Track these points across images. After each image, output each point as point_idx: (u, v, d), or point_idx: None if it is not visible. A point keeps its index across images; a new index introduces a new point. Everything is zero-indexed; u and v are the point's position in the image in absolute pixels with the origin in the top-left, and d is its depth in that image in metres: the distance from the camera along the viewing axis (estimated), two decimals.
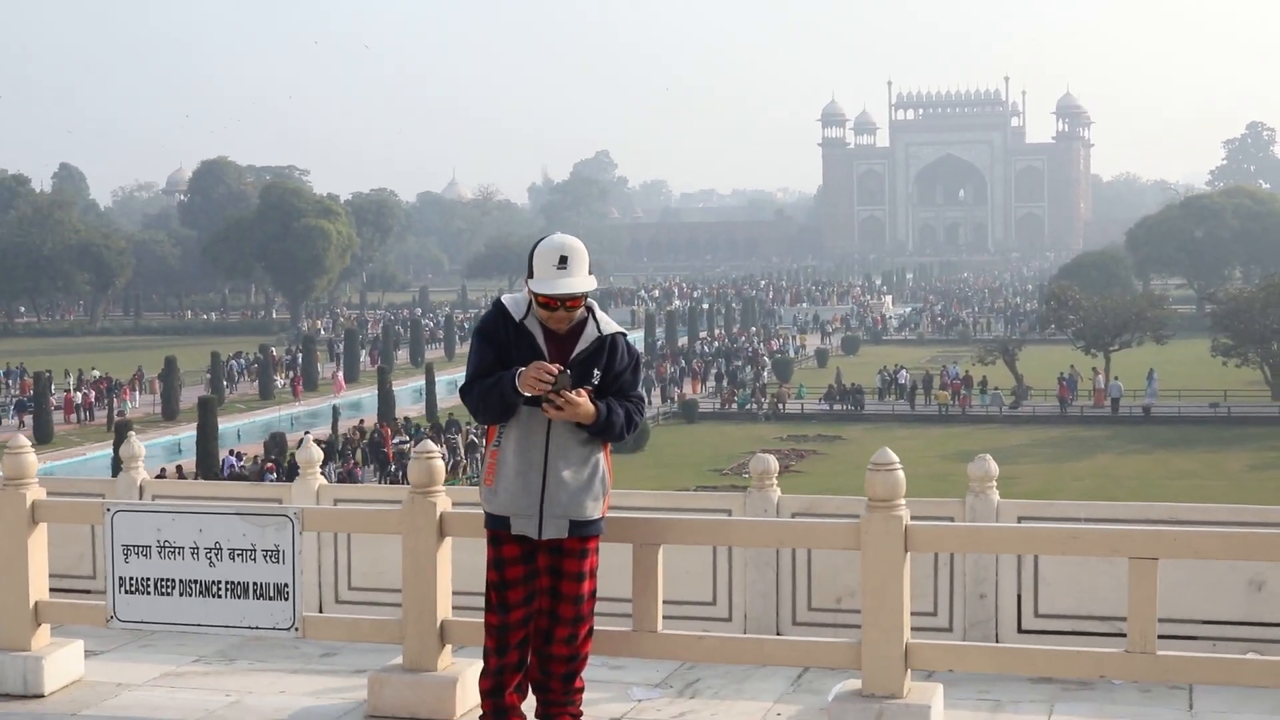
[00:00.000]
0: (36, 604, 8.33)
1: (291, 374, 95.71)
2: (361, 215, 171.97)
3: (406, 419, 72.36)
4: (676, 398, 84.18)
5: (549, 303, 6.97)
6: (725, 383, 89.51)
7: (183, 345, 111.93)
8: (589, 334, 7.11)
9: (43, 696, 8.20)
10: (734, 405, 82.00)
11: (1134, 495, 48.30)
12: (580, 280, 7.01)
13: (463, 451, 62.61)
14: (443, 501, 7.89)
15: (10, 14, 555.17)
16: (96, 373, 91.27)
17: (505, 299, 7.17)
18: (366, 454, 61.12)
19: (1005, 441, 66.11)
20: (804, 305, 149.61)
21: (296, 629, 7.24)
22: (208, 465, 59.61)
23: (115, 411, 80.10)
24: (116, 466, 56.37)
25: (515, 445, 6.95)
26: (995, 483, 9.54)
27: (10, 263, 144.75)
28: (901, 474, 7.05)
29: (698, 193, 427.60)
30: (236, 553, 7.31)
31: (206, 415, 63.14)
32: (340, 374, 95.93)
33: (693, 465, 63.26)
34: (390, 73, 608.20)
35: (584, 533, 7.08)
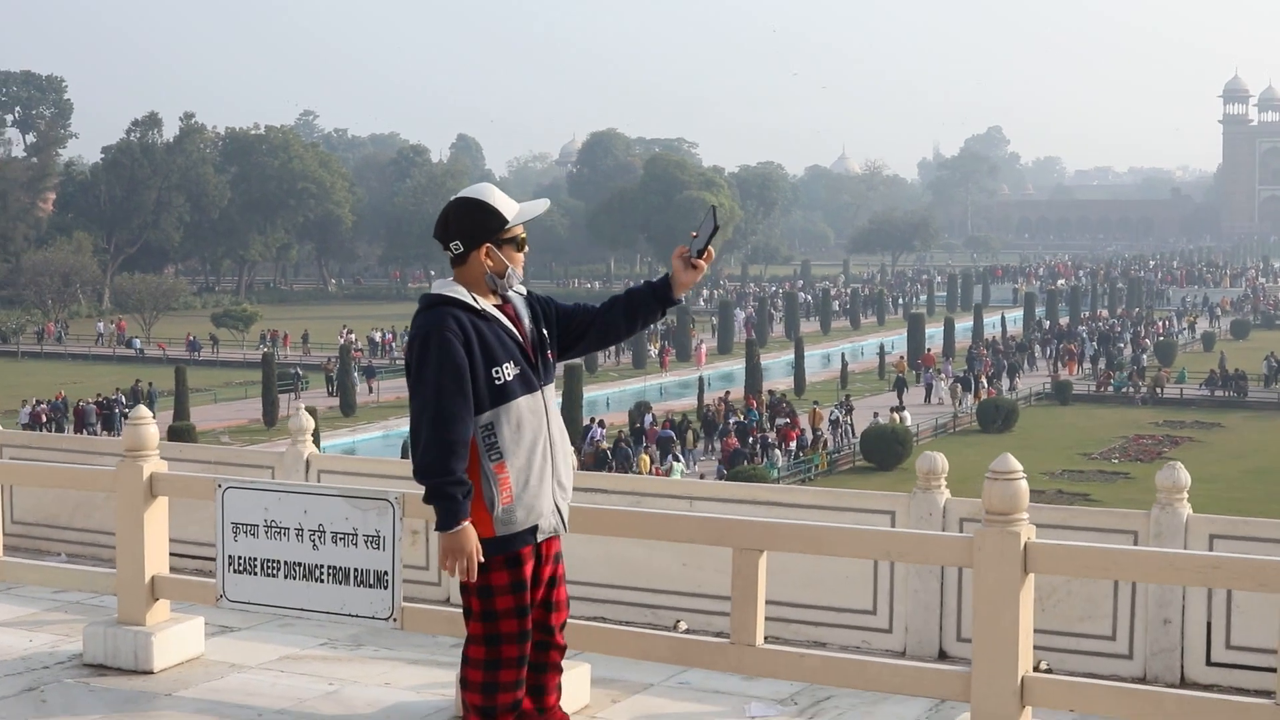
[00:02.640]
0: (153, 579, 8.16)
1: (664, 344, 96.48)
2: (746, 188, 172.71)
3: (771, 392, 72.26)
4: (1051, 378, 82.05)
5: (522, 239, 6.30)
6: (1102, 365, 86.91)
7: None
8: (515, 298, 6.36)
9: (151, 673, 8.04)
10: (1109, 388, 79.48)
11: None
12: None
13: (827, 428, 62.21)
14: (153, 464, 8.15)
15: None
16: None
17: (442, 291, 6.25)
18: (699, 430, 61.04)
19: None
20: (1194, 287, 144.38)
21: (395, 619, 6.96)
22: (572, 431, 60.52)
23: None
24: None
25: (525, 445, 6.18)
26: (1186, 494, 8.72)
27: (405, 229, 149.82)
28: (1024, 484, 6.25)
29: (1092, 170, 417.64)
30: (339, 536, 6.98)
31: (572, 383, 64.08)
32: (703, 346, 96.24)
33: (1061, 448, 61.47)
34: (782, 46, 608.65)
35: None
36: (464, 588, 6.29)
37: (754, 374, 75.27)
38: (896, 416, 62.50)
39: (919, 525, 9.30)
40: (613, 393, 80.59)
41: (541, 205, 6.49)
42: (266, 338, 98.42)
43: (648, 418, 62.16)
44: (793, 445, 59.52)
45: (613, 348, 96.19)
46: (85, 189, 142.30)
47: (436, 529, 6.06)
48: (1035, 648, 8.68)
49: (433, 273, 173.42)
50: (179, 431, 57.25)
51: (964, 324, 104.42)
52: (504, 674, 6.31)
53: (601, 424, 60.78)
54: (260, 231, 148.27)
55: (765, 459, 56.47)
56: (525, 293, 6.44)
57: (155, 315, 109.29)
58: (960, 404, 72.13)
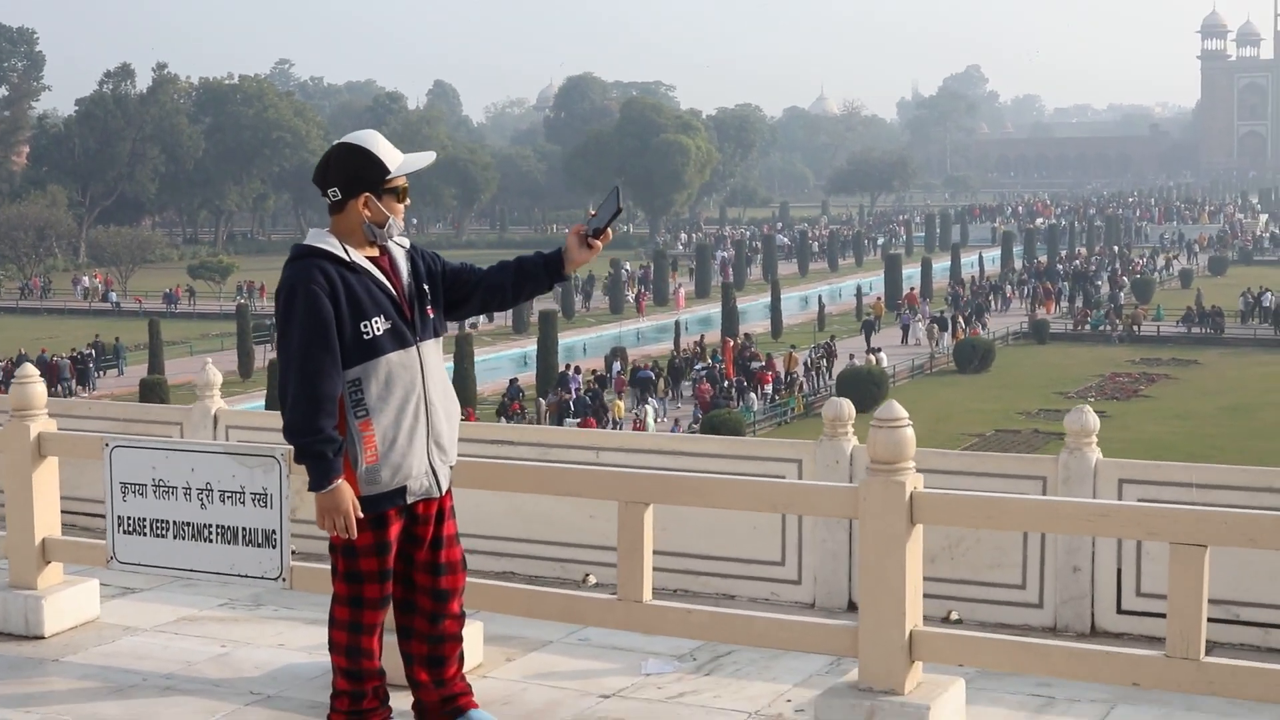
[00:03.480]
0: (44, 541, 7.97)
1: (640, 289, 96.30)
2: (724, 131, 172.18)
3: (747, 336, 72.18)
4: (1028, 318, 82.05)
5: (404, 190, 6.11)
6: (1079, 303, 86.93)
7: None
8: (395, 251, 6.14)
9: (42, 638, 7.89)
10: (1086, 327, 79.51)
11: None
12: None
13: (801, 371, 62.06)
14: (41, 423, 7.93)
15: None
16: None
17: (312, 242, 6.02)
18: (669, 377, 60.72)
19: None
20: (1172, 224, 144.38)
21: (284, 579, 6.78)
22: (547, 378, 60.43)
23: (467, 325, 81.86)
24: (460, 377, 57.85)
25: (394, 402, 5.95)
26: (1095, 439, 8.56)
27: None
28: (909, 431, 6.04)
29: (1072, 108, 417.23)
30: (226, 495, 6.73)
31: (547, 329, 63.91)
32: (680, 290, 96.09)
33: (1037, 388, 61.49)
34: None
35: (451, 479, 6.29)
36: (331, 546, 6.10)
37: (730, 318, 75.23)
38: (872, 358, 62.39)
39: (825, 474, 9.08)
40: (590, 338, 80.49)
41: (427, 158, 6.27)
42: (243, 289, 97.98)
43: (615, 366, 61.98)
44: (768, 389, 59.43)
45: (595, 291, 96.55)
46: (59, 142, 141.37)
47: (310, 489, 5.88)
48: (945, 597, 8.56)
49: (414, 220, 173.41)
50: (151, 385, 57.08)
51: (942, 264, 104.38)
52: (364, 639, 6.12)
53: (578, 370, 60.65)
54: (236, 182, 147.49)
55: (741, 403, 56.41)
56: (408, 245, 6.21)
57: (131, 268, 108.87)
58: (937, 345, 72.09)
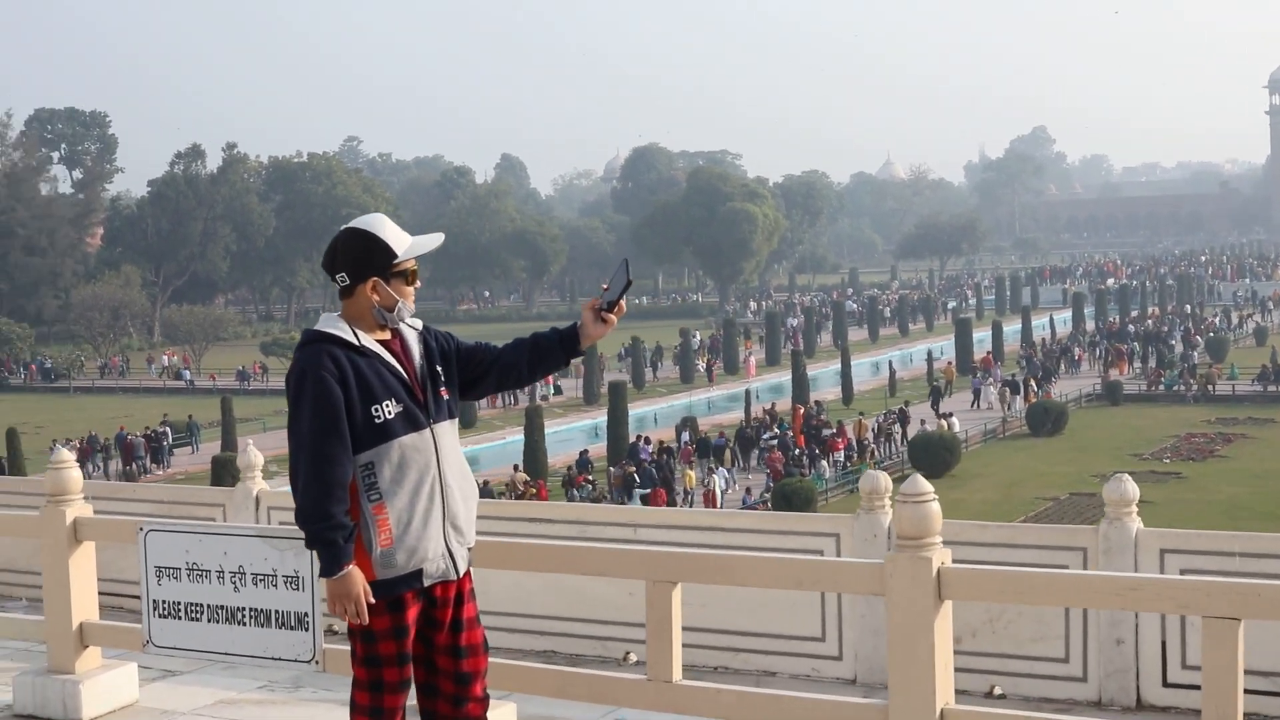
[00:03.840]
0: (81, 625, 7.98)
1: (710, 357, 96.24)
2: (791, 197, 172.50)
3: (817, 403, 71.95)
4: (1101, 379, 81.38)
5: (414, 273, 6.06)
6: (1152, 363, 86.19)
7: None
8: (407, 333, 6.12)
9: None
10: (1160, 387, 78.76)
11: None
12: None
13: (871, 435, 61.76)
14: (77, 508, 7.95)
15: (462, 23, 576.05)
16: None
17: (322, 327, 6.02)
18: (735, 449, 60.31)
19: None
20: (1245, 281, 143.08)
21: (317, 662, 6.74)
22: (618, 449, 60.35)
23: (538, 397, 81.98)
24: (531, 450, 57.82)
25: (408, 485, 5.89)
26: (1135, 508, 8.40)
27: (451, 251, 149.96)
28: (935, 506, 5.95)
29: (1140, 166, 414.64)
30: (259, 578, 6.75)
31: (617, 400, 63.90)
32: (751, 359, 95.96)
33: (1112, 450, 60.84)
34: (830, 51, 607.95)
35: (471, 562, 6.22)
36: (350, 630, 6.05)
37: (800, 385, 74.99)
38: (944, 423, 62.00)
39: (863, 548, 8.99)
40: (660, 408, 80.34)
41: (435, 240, 6.23)
42: None
43: (684, 436, 61.77)
44: (839, 456, 59.15)
45: (665, 361, 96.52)
46: (132, 223, 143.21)
47: (320, 575, 5.86)
48: (988, 672, 8.40)
49: (487, 293, 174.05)
50: (223, 462, 57.31)
51: (1013, 327, 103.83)
52: None
53: (648, 440, 60.54)
54: (307, 258, 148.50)
55: (812, 471, 56.18)
56: (420, 327, 6.19)
57: (205, 346, 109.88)
58: (1009, 408, 71.56)
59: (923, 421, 64.03)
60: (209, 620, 7.04)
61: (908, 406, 67.07)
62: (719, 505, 50.50)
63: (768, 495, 51.07)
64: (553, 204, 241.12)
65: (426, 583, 6.01)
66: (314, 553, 5.91)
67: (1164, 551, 8.32)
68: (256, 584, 6.86)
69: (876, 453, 60.55)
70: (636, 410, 71.37)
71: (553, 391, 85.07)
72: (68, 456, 8.13)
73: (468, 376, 6.28)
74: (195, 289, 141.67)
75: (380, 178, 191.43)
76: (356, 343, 5.95)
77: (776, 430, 62.37)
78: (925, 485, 5.93)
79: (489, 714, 6.28)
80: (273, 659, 6.86)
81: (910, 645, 5.87)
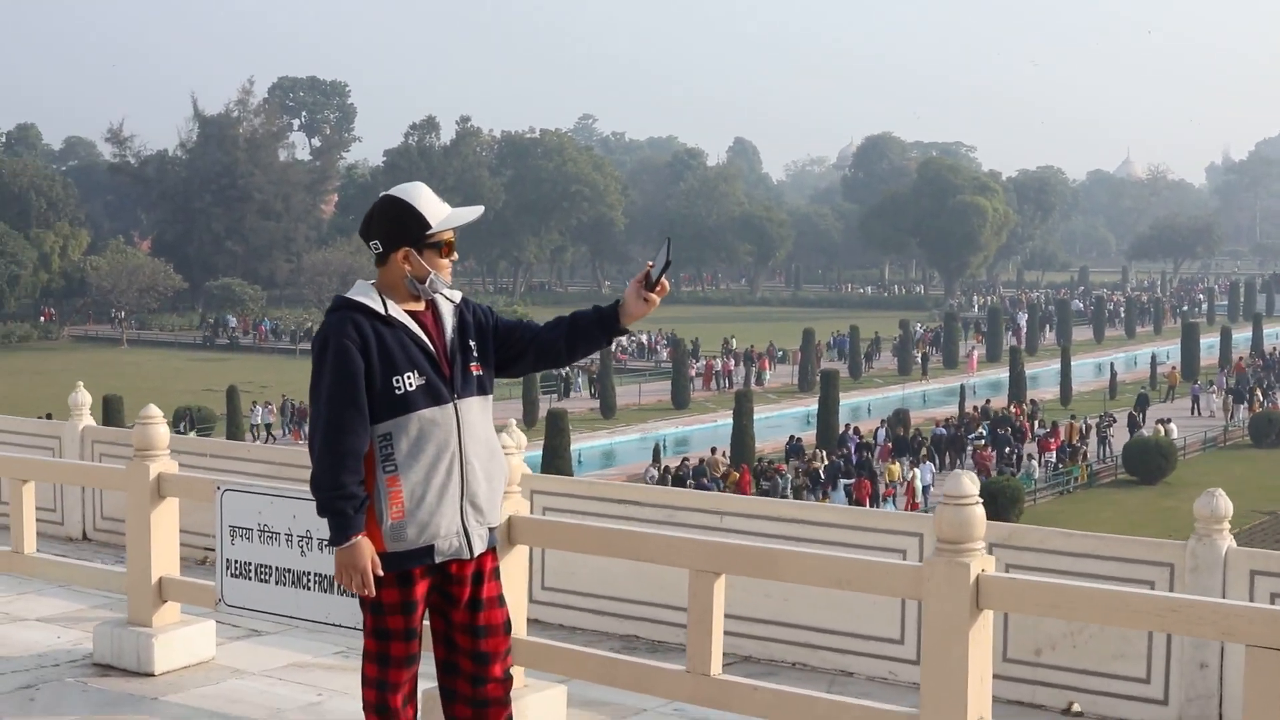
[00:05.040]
0: (160, 580, 7.95)
1: (927, 350, 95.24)
2: (1023, 193, 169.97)
3: (1033, 402, 70.78)
4: None
5: (449, 244, 5.89)
6: None
7: (836, 318, 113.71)
8: (442, 305, 5.93)
9: (152, 675, 7.86)
10: None
11: None
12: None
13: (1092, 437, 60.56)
14: (161, 464, 7.97)
15: (702, 5, 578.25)
16: (735, 343, 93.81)
17: (351, 295, 5.88)
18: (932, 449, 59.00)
19: None
20: None
21: None
22: (827, 438, 59.88)
23: (753, 381, 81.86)
24: (739, 434, 57.65)
25: (425, 460, 5.73)
26: (1226, 525, 7.88)
27: (677, 232, 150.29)
28: (979, 510, 5.62)
29: None
30: (324, 543, 6.68)
31: (829, 388, 63.37)
32: (974, 353, 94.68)
33: None
34: (1069, 46, 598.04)
35: (493, 542, 6.00)
36: (361, 601, 5.92)
37: (1018, 382, 73.84)
38: (1161, 429, 60.48)
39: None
40: (875, 399, 79.75)
41: (474, 212, 6.04)
42: None
43: (880, 433, 60.79)
44: (1051, 456, 58.00)
45: (884, 352, 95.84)
46: (366, 191, 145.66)
47: (328, 544, 5.75)
48: (1066, 687, 7.94)
49: (719, 274, 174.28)
50: None
51: (1243, 334, 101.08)
52: (391, 697, 5.92)
53: (857, 431, 60.00)
54: (535, 233, 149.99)
55: (1021, 470, 55.17)
56: (458, 299, 6.03)
57: None
58: (1232, 417, 69.54)
59: (1139, 426, 62.57)
60: (276, 583, 7.06)
61: (1140, 411, 65.45)
62: (921, 501, 49.87)
63: None
64: (784, 189, 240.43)
65: (438, 560, 5.85)
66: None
67: (1254, 573, 7.85)
68: (322, 549, 6.81)
69: (1088, 455, 59.27)
70: (850, 400, 70.79)
71: (767, 377, 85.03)
72: (156, 413, 8.13)
73: (505, 354, 6.11)
74: None
75: (612, 156, 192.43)
76: (384, 312, 5.82)
77: (982, 430, 61.32)
78: (969, 486, 5.63)
79: (532, 696, 6.06)
80: (335, 625, 6.83)
81: (943, 653, 5.58)
